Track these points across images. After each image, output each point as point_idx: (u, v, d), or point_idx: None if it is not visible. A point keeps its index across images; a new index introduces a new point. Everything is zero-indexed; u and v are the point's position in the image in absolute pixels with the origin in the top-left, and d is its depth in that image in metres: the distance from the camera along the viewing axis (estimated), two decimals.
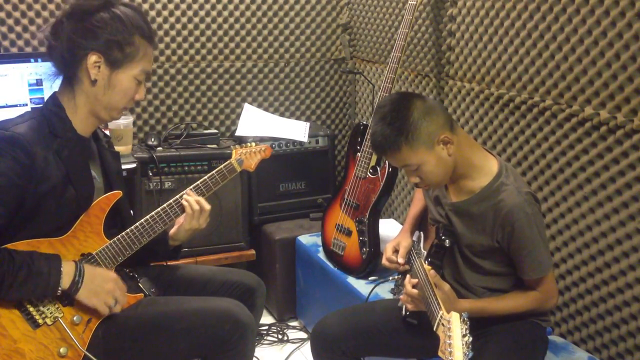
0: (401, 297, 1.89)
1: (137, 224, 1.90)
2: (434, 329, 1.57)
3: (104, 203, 1.85)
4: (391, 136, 1.78)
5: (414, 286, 1.81)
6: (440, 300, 1.61)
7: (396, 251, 2.18)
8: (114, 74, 1.78)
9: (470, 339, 1.42)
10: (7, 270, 1.63)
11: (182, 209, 1.98)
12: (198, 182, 2.02)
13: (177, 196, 1.99)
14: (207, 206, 2.01)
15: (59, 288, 1.70)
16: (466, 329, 1.44)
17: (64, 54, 1.77)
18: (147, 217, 1.92)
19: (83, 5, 1.77)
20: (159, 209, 1.95)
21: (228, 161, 2.10)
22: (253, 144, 2.19)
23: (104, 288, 1.77)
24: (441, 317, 1.54)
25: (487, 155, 1.89)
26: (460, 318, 1.47)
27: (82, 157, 1.85)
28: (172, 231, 2.07)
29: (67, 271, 1.71)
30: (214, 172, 2.05)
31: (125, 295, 1.84)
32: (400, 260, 2.14)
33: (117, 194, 1.88)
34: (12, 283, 1.64)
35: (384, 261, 2.17)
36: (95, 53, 1.75)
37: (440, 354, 1.47)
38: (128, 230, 1.88)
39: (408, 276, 1.86)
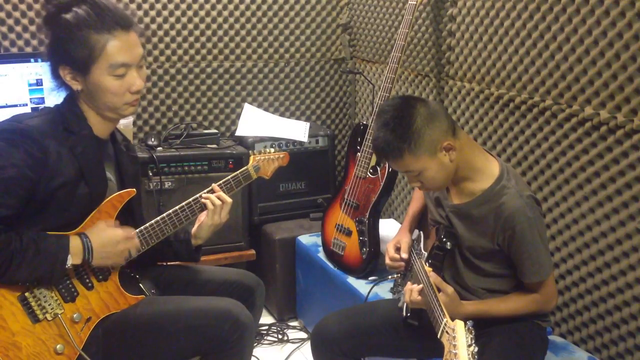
0: (405, 289, 1.88)
1: (147, 225, 1.90)
2: (438, 336, 1.55)
3: (117, 200, 1.84)
4: (393, 143, 1.77)
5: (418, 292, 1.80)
6: (443, 305, 1.60)
7: (398, 249, 2.18)
8: (88, 78, 1.75)
9: (476, 349, 1.40)
10: (15, 248, 1.64)
11: (190, 214, 1.98)
12: (212, 187, 2.01)
13: (190, 199, 1.98)
14: (229, 199, 2.02)
15: (69, 264, 1.70)
16: (472, 339, 1.43)
17: (50, 72, 1.80)
18: (158, 218, 1.92)
19: (45, 19, 1.75)
20: (170, 211, 1.94)
21: (244, 167, 2.09)
22: (271, 150, 2.16)
23: (115, 251, 1.80)
24: (445, 324, 1.53)
25: (488, 158, 1.89)
26: (465, 327, 1.45)
27: (97, 156, 1.84)
28: (194, 230, 2.08)
29: (75, 251, 1.72)
30: (229, 177, 2.04)
31: (137, 244, 1.85)
32: (404, 255, 2.12)
33: (131, 191, 1.87)
34: (21, 262, 1.65)
35: (388, 261, 2.16)
36: (64, 66, 1.75)
37: None
38: (137, 230, 1.88)
39: (409, 283, 1.84)
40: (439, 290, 1.73)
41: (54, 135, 1.73)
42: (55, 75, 1.79)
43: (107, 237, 1.79)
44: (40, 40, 1.83)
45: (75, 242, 1.73)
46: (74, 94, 1.82)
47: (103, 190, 1.84)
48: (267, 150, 2.16)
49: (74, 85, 1.77)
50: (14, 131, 1.70)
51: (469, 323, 1.47)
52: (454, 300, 1.77)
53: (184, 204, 1.96)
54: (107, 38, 1.71)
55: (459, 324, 1.46)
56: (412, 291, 1.79)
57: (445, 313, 1.56)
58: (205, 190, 2.01)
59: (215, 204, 1.99)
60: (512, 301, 1.87)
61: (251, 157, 2.13)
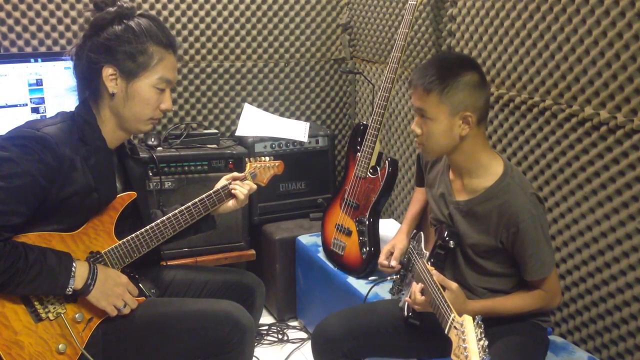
0: (407, 299, 1.88)
1: (147, 227, 1.91)
2: (446, 332, 1.55)
3: (118, 203, 1.87)
4: (433, 76, 1.78)
5: (421, 292, 1.80)
6: (449, 302, 1.61)
7: (391, 254, 2.19)
8: (131, 84, 1.79)
9: (486, 342, 1.40)
10: (20, 267, 1.65)
11: (193, 216, 1.98)
12: (210, 192, 2.02)
13: (190, 204, 1.99)
14: (254, 186, 2.09)
15: (70, 288, 1.71)
16: (481, 333, 1.42)
17: (84, 70, 1.81)
18: (158, 221, 1.93)
19: (98, 21, 1.80)
20: (170, 214, 1.95)
21: (242, 174, 2.11)
22: (267, 158, 2.18)
23: (114, 291, 1.80)
24: (453, 319, 1.52)
25: (494, 156, 1.90)
26: (474, 321, 1.45)
27: (109, 167, 1.87)
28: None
29: (80, 273, 1.73)
30: (226, 183, 2.06)
31: (134, 300, 1.85)
32: (393, 263, 2.16)
33: (131, 194, 1.89)
34: (22, 280, 1.66)
35: (379, 265, 2.19)
36: (110, 66, 1.78)
37: (453, 357, 1.46)
38: (138, 233, 1.89)
39: (414, 284, 1.85)
40: (444, 288, 1.73)
41: (69, 144, 1.75)
42: (92, 73, 1.80)
43: (112, 274, 1.82)
44: (69, 51, 1.88)
45: (81, 266, 1.74)
46: (92, 100, 1.84)
47: (111, 200, 1.86)
48: (263, 158, 2.17)
49: (111, 88, 1.79)
50: (30, 138, 1.70)
51: (478, 317, 1.46)
52: (460, 297, 1.76)
53: (177, 210, 1.96)
54: (164, 53, 1.82)
55: (467, 319, 1.46)
56: (414, 293, 1.79)
57: (452, 309, 1.56)
58: (226, 178, 2.07)
59: (245, 195, 2.05)
60: (519, 298, 1.86)
61: (248, 164, 2.14)
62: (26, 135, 1.71)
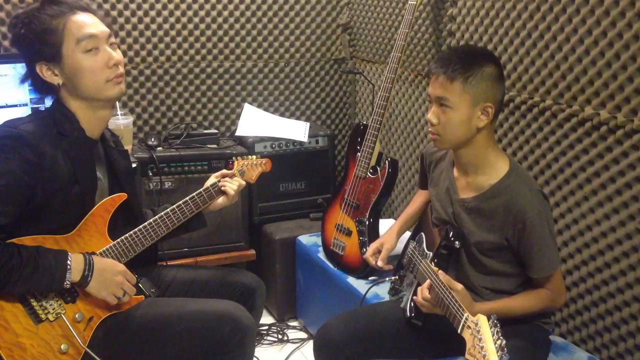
0: (415, 297, 1.87)
1: (141, 226, 1.91)
2: (459, 331, 1.55)
3: (109, 204, 1.86)
4: (457, 64, 1.79)
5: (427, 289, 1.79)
6: (460, 302, 1.60)
7: (379, 251, 2.18)
8: (63, 64, 1.78)
9: (504, 342, 1.39)
10: (14, 264, 1.65)
11: (185, 214, 1.99)
12: (201, 189, 2.03)
13: (181, 202, 2.00)
14: (243, 183, 2.10)
15: (68, 281, 1.71)
16: (497, 332, 1.42)
17: (34, 83, 1.85)
18: (151, 220, 1.94)
19: (14, 39, 1.82)
20: (162, 213, 1.96)
21: (230, 171, 2.12)
22: (254, 157, 2.20)
23: (113, 280, 1.79)
24: (467, 319, 1.52)
25: (501, 153, 1.91)
26: (490, 321, 1.45)
27: (89, 157, 1.86)
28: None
29: (76, 265, 1.73)
30: (215, 181, 2.07)
31: (132, 287, 1.85)
32: (380, 263, 2.15)
33: (122, 196, 1.89)
34: (18, 277, 1.65)
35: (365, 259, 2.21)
36: (37, 64, 1.79)
37: (468, 356, 1.45)
38: (131, 232, 1.89)
39: (427, 282, 1.84)
40: (451, 288, 1.72)
41: (48, 139, 1.75)
42: (36, 79, 1.82)
43: (109, 263, 1.81)
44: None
45: (77, 258, 1.74)
46: (60, 96, 1.85)
47: (93, 191, 1.86)
48: (250, 156, 2.19)
49: (55, 80, 1.80)
50: (8, 137, 1.70)
51: (493, 317, 1.46)
52: (466, 299, 1.74)
53: (169, 209, 1.97)
54: (67, 17, 1.77)
55: (482, 318, 1.45)
56: (422, 291, 1.78)
57: (465, 308, 1.56)
58: (215, 175, 2.08)
59: (235, 191, 2.06)
60: (525, 299, 1.86)
61: (235, 162, 2.16)
62: (4, 134, 1.71)
